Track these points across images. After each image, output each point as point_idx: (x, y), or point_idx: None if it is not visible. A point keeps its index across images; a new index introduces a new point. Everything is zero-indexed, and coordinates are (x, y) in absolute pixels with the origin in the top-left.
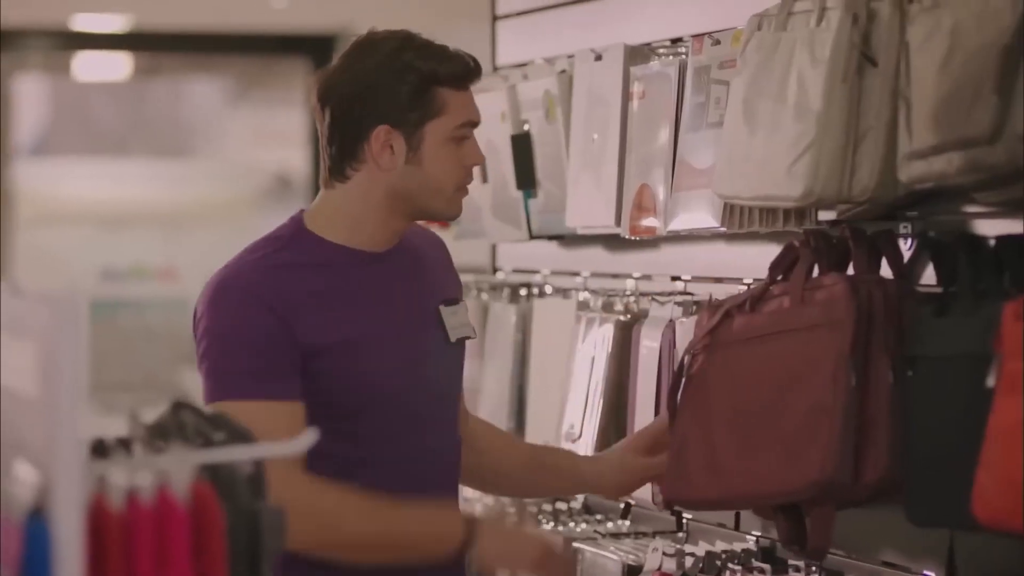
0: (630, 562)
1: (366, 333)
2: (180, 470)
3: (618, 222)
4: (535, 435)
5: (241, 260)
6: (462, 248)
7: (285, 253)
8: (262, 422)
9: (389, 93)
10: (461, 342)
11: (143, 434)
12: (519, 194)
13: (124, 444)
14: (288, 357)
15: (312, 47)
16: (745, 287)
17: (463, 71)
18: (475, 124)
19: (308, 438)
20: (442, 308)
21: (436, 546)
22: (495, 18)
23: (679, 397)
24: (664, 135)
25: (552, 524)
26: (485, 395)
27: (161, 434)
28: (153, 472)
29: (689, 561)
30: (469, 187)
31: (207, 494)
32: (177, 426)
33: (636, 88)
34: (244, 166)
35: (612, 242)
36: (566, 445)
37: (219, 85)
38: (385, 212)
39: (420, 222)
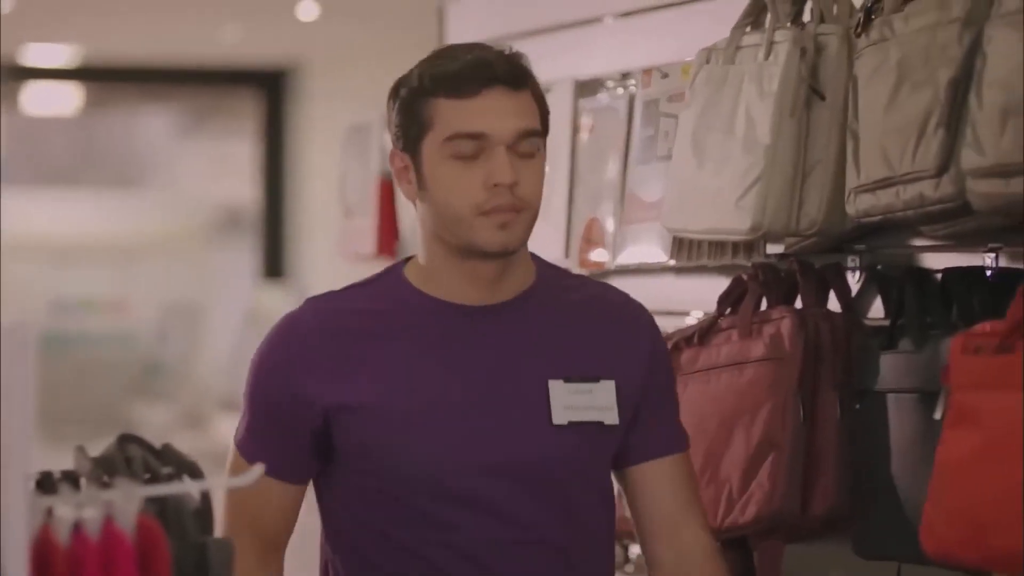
0: None
1: (399, 398)
2: (126, 504)
3: (567, 255)
4: None
5: (317, 296)
6: None
7: (358, 294)
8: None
9: (390, 111)
10: (578, 426)
11: (90, 468)
12: None
13: (71, 478)
14: (285, 429)
15: (263, 81)
16: (694, 320)
17: (455, 73)
18: (474, 136)
19: (254, 473)
20: (553, 383)
21: None
22: None
23: None
24: (613, 168)
25: None
26: None
27: (108, 468)
28: (99, 506)
29: None
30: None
31: (153, 527)
32: (124, 460)
33: (585, 121)
34: (195, 199)
35: None
36: None
37: (170, 117)
38: (440, 252)
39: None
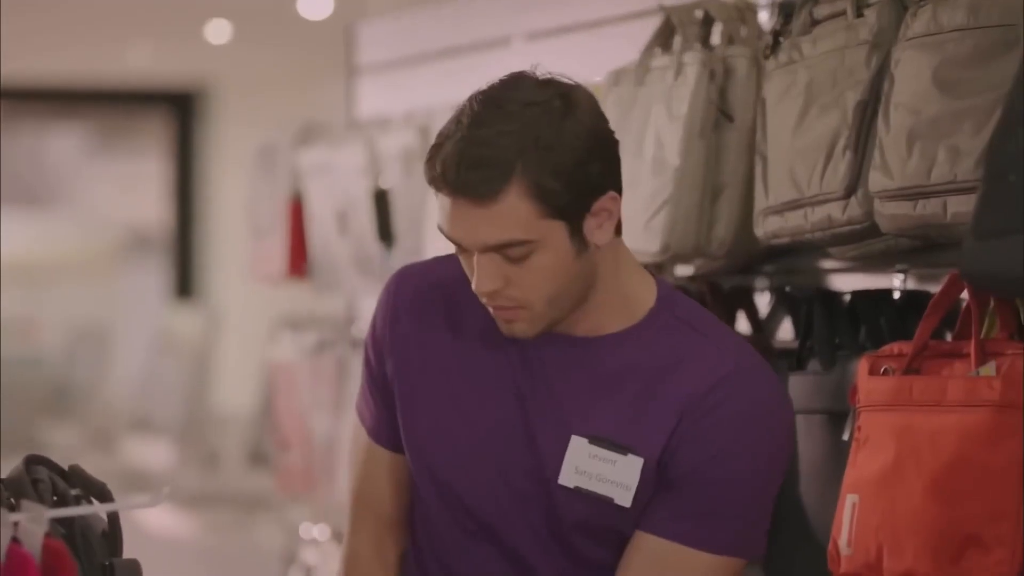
0: None
1: (429, 392)
2: (33, 526)
3: None
4: None
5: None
6: (320, 301)
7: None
8: (354, 443)
9: None
10: (586, 495)
11: None
12: (378, 248)
13: None
14: (382, 396)
15: (173, 101)
16: None
17: (431, 171)
18: (447, 237)
19: (161, 495)
20: (576, 440)
21: None
22: (353, 72)
23: None
24: None
25: None
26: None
27: (15, 489)
28: (5, 528)
29: None
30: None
31: (59, 549)
32: (31, 481)
33: None
34: (103, 219)
35: None
36: None
37: (79, 137)
38: None
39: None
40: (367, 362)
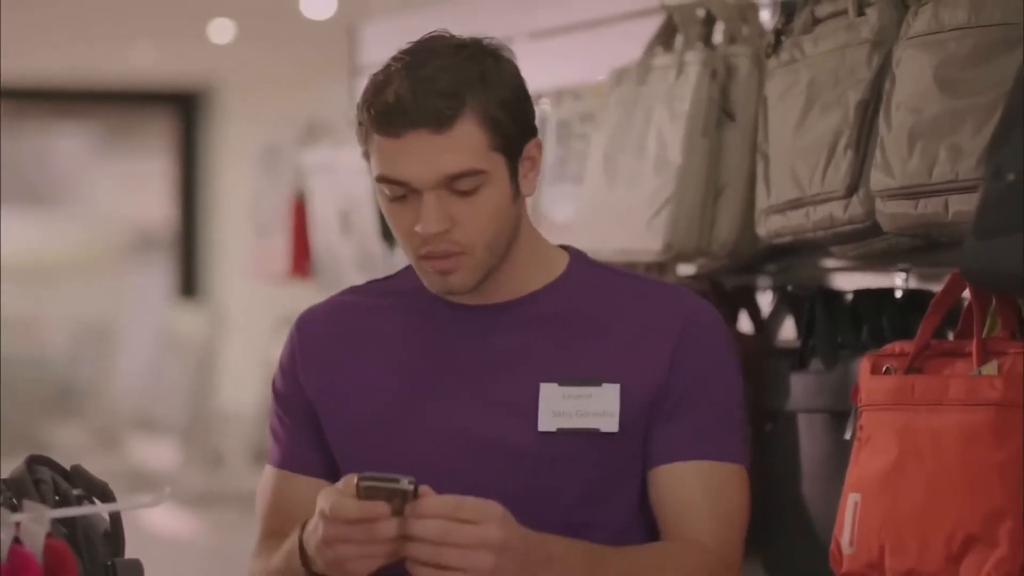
0: None
1: (377, 394)
2: (35, 526)
3: None
4: None
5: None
6: None
7: (374, 288)
8: (261, 485)
9: None
10: (569, 434)
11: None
12: (381, 247)
13: None
14: (294, 418)
15: (177, 101)
16: None
17: (380, 110)
18: (395, 182)
19: (163, 495)
20: (545, 386)
21: (293, 560)
22: (356, 72)
23: None
24: None
25: None
26: None
27: (17, 490)
28: (6, 528)
29: None
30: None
31: (61, 549)
32: (33, 481)
33: None
34: (108, 219)
35: None
36: None
37: (84, 137)
38: None
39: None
40: (282, 398)
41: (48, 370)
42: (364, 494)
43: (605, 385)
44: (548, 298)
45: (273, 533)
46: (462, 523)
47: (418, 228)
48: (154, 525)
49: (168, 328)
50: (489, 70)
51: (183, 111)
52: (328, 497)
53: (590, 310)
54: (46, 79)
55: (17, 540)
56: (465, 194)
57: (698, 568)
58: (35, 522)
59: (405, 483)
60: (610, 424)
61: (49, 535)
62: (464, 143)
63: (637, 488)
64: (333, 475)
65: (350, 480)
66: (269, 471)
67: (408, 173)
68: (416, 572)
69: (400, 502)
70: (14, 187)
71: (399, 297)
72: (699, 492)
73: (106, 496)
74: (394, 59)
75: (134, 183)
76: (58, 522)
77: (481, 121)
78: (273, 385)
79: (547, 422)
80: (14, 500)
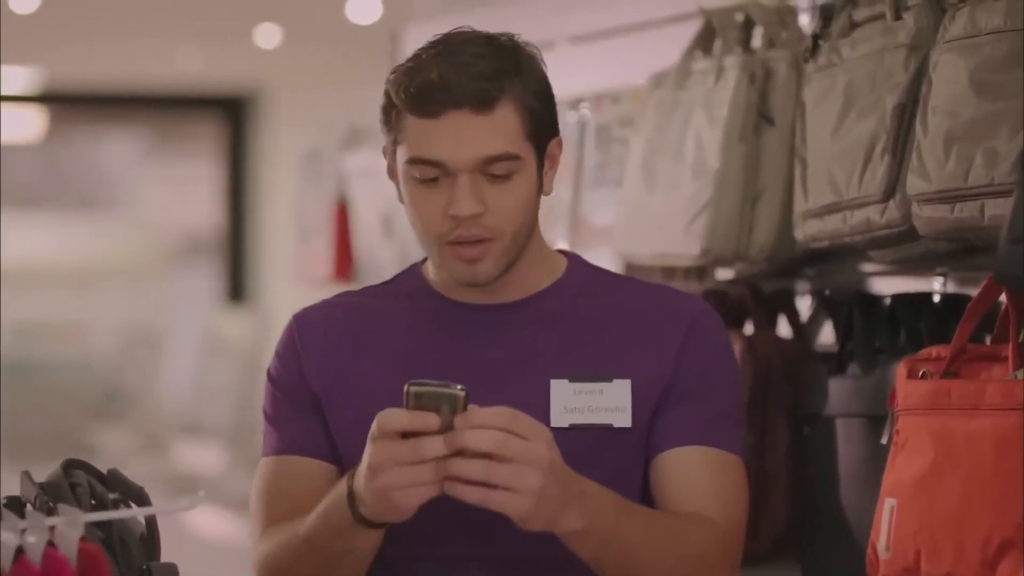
0: None
1: (387, 392)
2: (69, 530)
3: None
4: None
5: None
6: None
7: (373, 292)
8: (260, 477)
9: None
10: (582, 430)
11: (36, 494)
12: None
13: (16, 504)
14: (296, 404)
15: (224, 105)
16: None
17: (418, 90)
18: (430, 163)
19: (197, 499)
20: (556, 383)
21: (334, 513)
22: None
23: None
24: (565, 193)
25: None
26: None
27: (54, 494)
28: (41, 532)
29: None
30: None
31: (95, 553)
32: (70, 485)
33: None
34: (156, 223)
35: None
36: None
37: (133, 142)
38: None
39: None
40: (284, 385)
41: (95, 374)
42: (413, 402)
43: (616, 381)
44: (552, 298)
45: (279, 520)
46: (517, 437)
47: (451, 211)
48: (200, 528)
49: (214, 332)
50: (523, 60)
51: (230, 116)
52: (377, 418)
53: (593, 311)
54: (95, 85)
55: (51, 544)
56: (497, 179)
57: (708, 540)
58: (69, 526)
59: (456, 388)
60: (623, 419)
61: (84, 539)
62: (504, 126)
63: (640, 483)
64: (338, 462)
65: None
66: (268, 462)
67: (446, 153)
68: (459, 492)
69: (450, 412)
70: (64, 192)
71: (400, 299)
72: (704, 474)
73: (142, 500)
74: (424, 49)
75: (182, 188)
76: (94, 526)
77: (518, 107)
78: (270, 375)
79: (559, 418)
80: (50, 504)
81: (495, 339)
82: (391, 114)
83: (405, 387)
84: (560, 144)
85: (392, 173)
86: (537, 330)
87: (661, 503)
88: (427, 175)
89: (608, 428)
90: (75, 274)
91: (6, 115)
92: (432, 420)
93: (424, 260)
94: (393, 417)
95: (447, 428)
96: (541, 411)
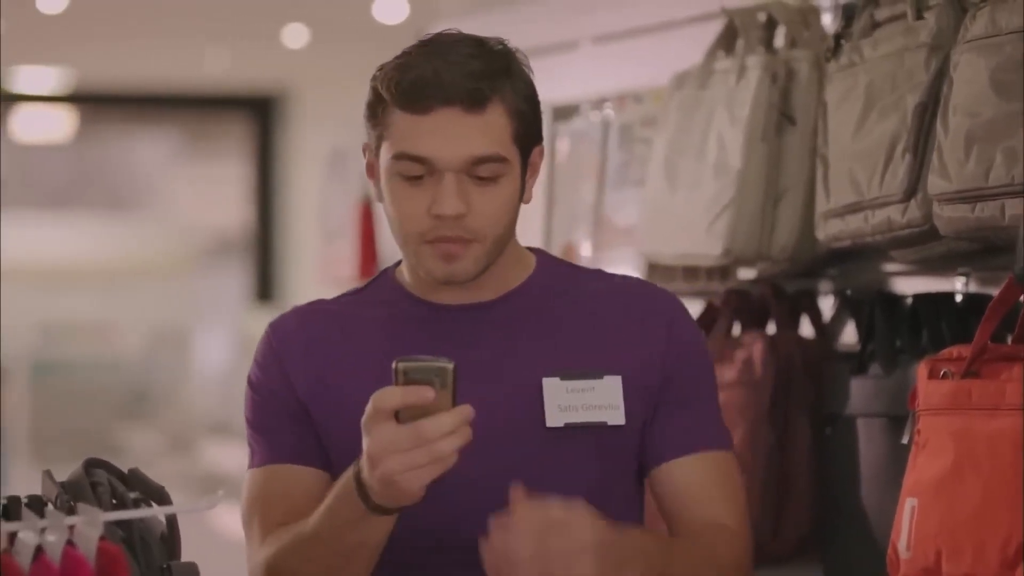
0: None
1: (362, 394)
2: (88, 529)
3: None
4: None
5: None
6: None
7: (347, 299)
8: (251, 487)
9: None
10: (577, 429)
11: (56, 493)
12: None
13: (37, 503)
14: (283, 412)
15: (252, 105)
16: None
17: (410, 85)
18: (416, 159)
19: (216, 498)
20: (548, 381)
21: (343, 506)
22: None
23: None
24: (588, 193)
25: None
26: None
27: (75, 493)
28: (61, 531)
29: None
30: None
31: (114, 552)
32: (91, 484)
33: (561, 146)
34: (185, 223)
35: None
36: None
37: (161, 142)
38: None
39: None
40: (268, 394)
41: (123, 374)
42: (403, 379)
43: (607, 378)
44: (526, 296)
45: (277, 526)
46: (556, 531)
47: (435, 210)
48: (226, 527)
49: (242, 332)
50: (514, 64)
51: (259, 116)
52: (372, 399)
53: (570, 307)
54: (124, 85)
55: (71, 543)
56: (483, 182)
57: (733, 547)
58: (89, 525)
59: (444, 361)
60: (616, 417)
61: (104, 538)
62: (493, 127)
63: (632, 481)
64: (329, 470)
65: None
66: (258, 472)
67: (433, 150)
68: None
69: (440, 386)
70: (92, 192)
71: (377, 306)
72: (709, 480)
73: (163, 499)
74: (413, 47)
75: (211, 187)
76: (115, 525)
77: (508, 110)
78: (252, 383)
79: (554, 417)
80: (71, 503)
81: (477, 339)
82: (377, 110)
83: (393, 364)
84: (542, 152)
85: (371, 171)
86: (518, 328)
87: (672, 514)
88: (412, 172)
89: (603, 426)
90: (104, 274)
91: (34, 115)
92: (427, 392)
93: (396, 265)
94: (387, 395)
95: (442, 402)
96: (534, 410)
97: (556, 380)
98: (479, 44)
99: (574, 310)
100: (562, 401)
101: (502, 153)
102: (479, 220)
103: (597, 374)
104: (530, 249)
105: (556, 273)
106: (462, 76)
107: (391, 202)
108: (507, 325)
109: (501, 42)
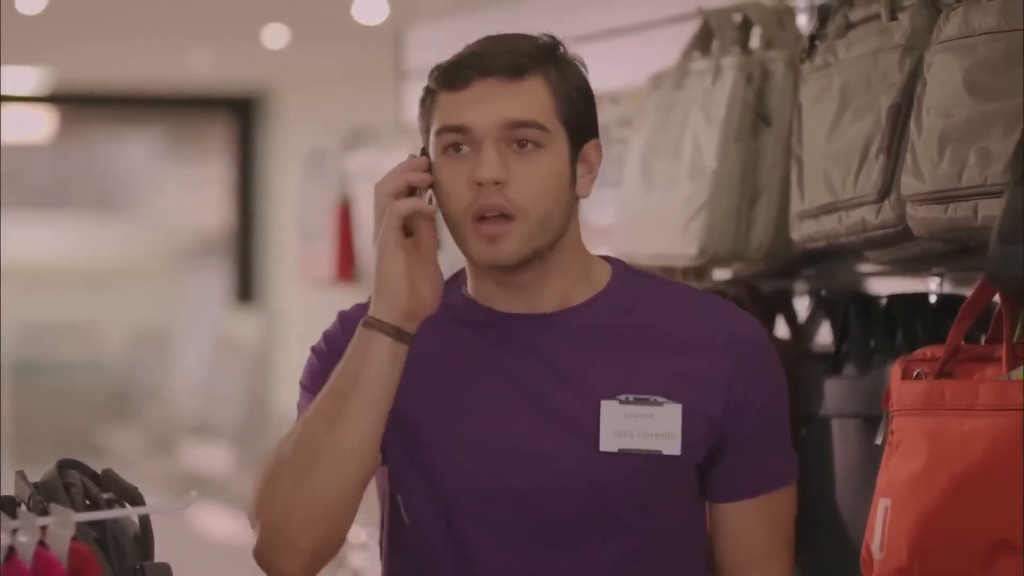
0: None
1: (427, 408)
2: (60, 529)
3: None
4: None
5: None
6: None
7: None
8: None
9: None
10: (631, 456)
11: (30, 493)
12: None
13: (9, 504)
14: None
15: (233, 106)
16: None
17: (450, 65)
18: (457, 128)
19: (190, 499)
20: (607, 404)
21: (360, 354)
22: (402, 77)
23: None
24: None
25: None
26: None
27: (48, 494)
28: (33, 532)
29: None
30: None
31: (85, 553)
32: (64, 485)
33: None
34: (167, 223)
35: None
36: None
37: (142, 143)
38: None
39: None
40: (327, 367)
41: (105, 375)
42: None
43: (667, 405)
44: (595, 311)
45: None
46: None
47: (474, 175)
48: (208, 529)
49: (224, 333)
50: (563, 56)
51: (240, 116)
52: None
53: (636, 326)
54: (103, 85)
55: (43, 543)
56: (524, 151)
57: None
58: (61, 525)
59: None
60: (672, 447)
61: (75, 538)
62: (532, 96)
63: (690, 501)
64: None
65: None
66: (295, 426)
67: (471, 116)
68: None
69: None
70: (73, 193)
71: (442, 310)
72: (764, 528)
73: (136, 500)
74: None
75: (192, 188)
76: (88, 526)
77: (551, 87)
78: (315, 351)
79: (609, 442)
80: (44, 504)
81: (536, 351)
82: (426, 102)
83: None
84: (599, 150)
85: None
86: (580, 345)
87: (721, 549)
88: (452, 141)
89: (657, 455)
90: (85, 274)
91: (15, 115)
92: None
93: (460, 271)
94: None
95: None
96: (590, 432)
97: (615, 404)
98: (526, 35)
99: (641, 330)
100: (619, 426)
101: (541, 121)
102: (519, 191)
103: (657, 401)
104: (608, 260)
105: (629, 288)
106: (502, 52)
107: (439, 184)
108: (570, 340)
109: (551, 36)
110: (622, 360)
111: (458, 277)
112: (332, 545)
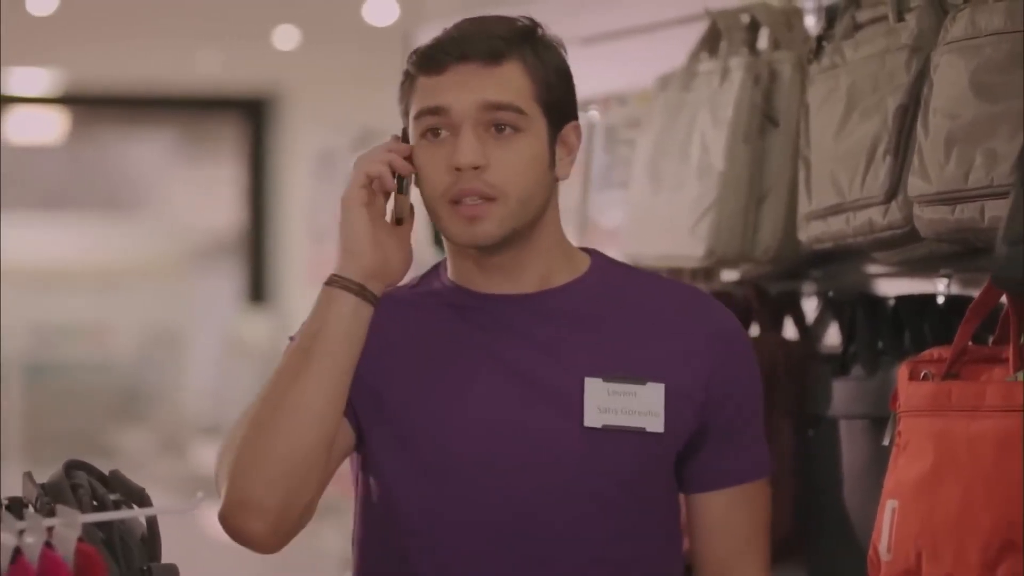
0: None
1: (411, 389)
2: (66, 531)
3: None
4: None
5: None
6: None
7: (407, 287)
8: None
9: None
10: (615, 432)
11: (37, 494)
12: (432, 252)
13: (17, 505)
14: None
15: (244, 107)
16: None
17: (428, 49)
18: (435, 111)
19: (197, 501)
20: (590, 381)
21: (323, 311)
22: None
23: None
24: (574, 194)
25: None
26: None
27: (55, 495)
28: (39, 533)
29: None
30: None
31: (92, 554)
32: (71, 487)
33: None
34: (178, 224)
35: None
36: None
37: (153, 144)
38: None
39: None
40: None
41: (116, 375)
42: None
43: (650, 384)
44: (576, 293)
45: None
46: None
47: (453, 160)
48: (216, 530)
49: (235, 334)
50: (540, 39)
51: (250, 117)
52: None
53: (620, 309)
54: (115, 87)
55: (49, 544)
56: (503, 135)
57: None
58: (67, 527)
59: None
60: (656, 424)
61: (82, 539)
62: (510, 80)
63: (668, 483)
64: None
65: None
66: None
67: (449, 99)
68: None
69: None
70: (85, 194)
71: (425, 296)
72: (740, 520)
73: (143, 501)
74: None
75: (203, 189)
76: (95, 527)
77: (528, 71)
78: None
79: (593, 418)
80: (51, 505)
81: (519, 331)
82: (404, 86)
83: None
84: (578, 131)
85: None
86: (563, 325)
87: (698, 541)
88: (431, 124)
89: (640, 432)
90: (95, 275)
91: (26, 117)
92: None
93: (441, 261)
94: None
95: None
96: (574, 409)
97: (598, 381)
98: (505, 17)
99: (624, 313)
100: (602, 403)
101: (519, 104)
102: (499, 174)
103: (640, 380)
104: (587, 251)
105: (610, 274)
106: (478, 37)
107: (418, 169)
108: (553, 320)
109: (529, 18)
110: (604, 341)
111: (439, 267)
112: (297, 510)
